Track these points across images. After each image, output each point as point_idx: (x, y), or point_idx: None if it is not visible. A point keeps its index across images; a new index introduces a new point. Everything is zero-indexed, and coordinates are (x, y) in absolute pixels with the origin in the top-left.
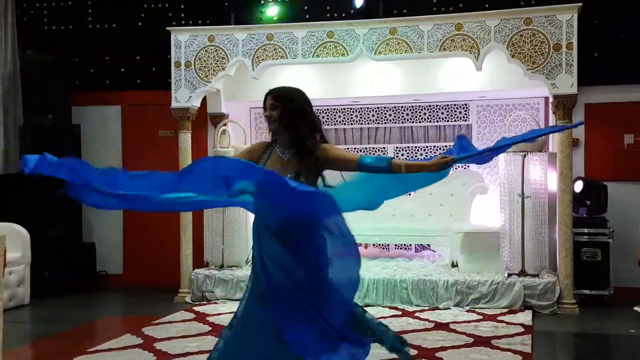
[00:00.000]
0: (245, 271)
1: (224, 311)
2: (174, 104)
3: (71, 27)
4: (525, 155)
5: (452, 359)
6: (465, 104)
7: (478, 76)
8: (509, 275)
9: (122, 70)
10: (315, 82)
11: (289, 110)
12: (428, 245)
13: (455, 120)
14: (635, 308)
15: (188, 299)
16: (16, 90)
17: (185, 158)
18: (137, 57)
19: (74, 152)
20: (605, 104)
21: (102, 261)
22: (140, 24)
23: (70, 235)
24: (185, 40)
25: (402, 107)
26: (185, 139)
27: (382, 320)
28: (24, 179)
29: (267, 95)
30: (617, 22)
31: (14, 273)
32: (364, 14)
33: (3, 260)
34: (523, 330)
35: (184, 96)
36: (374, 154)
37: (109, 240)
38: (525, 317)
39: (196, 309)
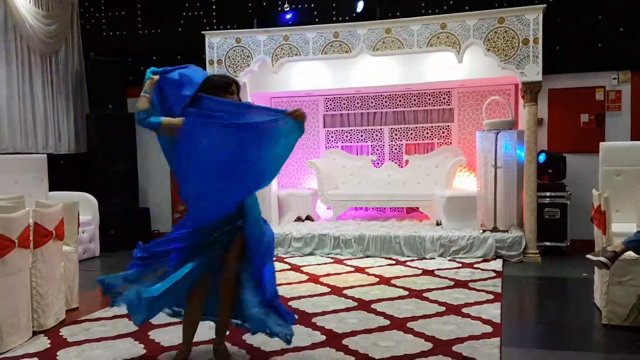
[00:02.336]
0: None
1: None
2: None
3: (125, 32)
4: (498, 133)
5: (437, 298)
6: (449, 91)
7: (459, 67)
8: (484, 231)
9: None
10: (324, 75)
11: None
12: (417, 207)
13: (440, 105)
14: (588, 256)
15: None
16: (82, 86)
17: None
18: (178, 57)
19: (131, 135)
20: (565, 89)
21: (155, 222)
22: (180, 29)
23: (129, 201)
24: (217, 42)
25: (396, 94)
26: None
27: (379, 268)
28: (91, 157)
29: (234, 82)
30: (574, 20)
31: (86, 232)
32: (364, 17)
33: (77, 222)
34: (495, 275)
35: None
36: (373, 134)
37: (160, 205)
38: (497, 264)
39: None
